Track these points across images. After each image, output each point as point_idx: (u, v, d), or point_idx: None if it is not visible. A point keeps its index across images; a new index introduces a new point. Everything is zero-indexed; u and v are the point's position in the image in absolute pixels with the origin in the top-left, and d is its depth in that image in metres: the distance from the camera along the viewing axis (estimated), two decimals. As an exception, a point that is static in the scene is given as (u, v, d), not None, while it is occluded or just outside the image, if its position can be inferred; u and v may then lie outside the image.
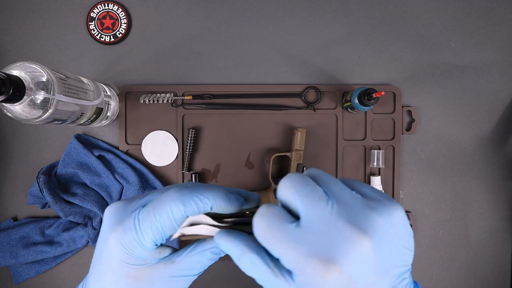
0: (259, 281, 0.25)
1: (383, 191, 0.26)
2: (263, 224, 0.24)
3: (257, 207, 0.28)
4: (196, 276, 0.30)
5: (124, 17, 0.67)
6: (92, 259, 0.30)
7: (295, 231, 0.23)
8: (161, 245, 0.29)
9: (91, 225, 0.65)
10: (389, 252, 0.23)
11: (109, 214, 0.29)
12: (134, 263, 0.28)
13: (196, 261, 0.29)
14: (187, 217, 0.27)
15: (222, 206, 0.28)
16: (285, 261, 0.23)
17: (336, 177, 0.69)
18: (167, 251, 0.29)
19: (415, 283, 0.27)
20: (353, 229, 0.22)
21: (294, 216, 0.25)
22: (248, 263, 0.25)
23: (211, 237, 0.28)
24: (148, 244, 0.27)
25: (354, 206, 0.24)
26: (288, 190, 0.25)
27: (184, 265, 0.29)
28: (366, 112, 0.69)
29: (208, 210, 0.28)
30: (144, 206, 0.28)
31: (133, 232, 0.27)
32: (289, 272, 0.24)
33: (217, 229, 0.28)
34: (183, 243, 0.62)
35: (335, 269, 0.22)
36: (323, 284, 0.22)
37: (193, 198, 0.27)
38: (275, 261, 0.25)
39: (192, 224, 0.28)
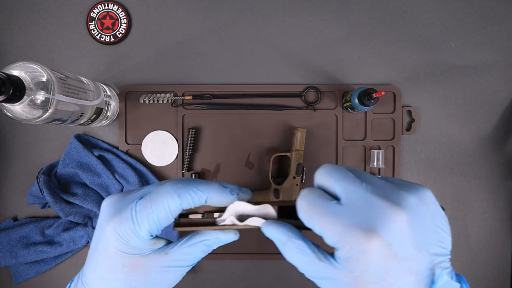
0: (303, 268, 0.27)
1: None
2: (306, 202, 0.26)
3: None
4: (190, 267, 0.31)
5: (124, 17, 0.67)
6: (89, 251, 0.31)
7: (336, 207, 0.25)
8: (156, 236, 0.30)
9: (91, 225, 0.65)
10: (425, 229, 0.25)
11: (106, 205, 0.30)
12: (129, 252, 0.29)
13: (189, 252, 0.30)
14: (182, 209, 0.29)
15: (216, 199, 0.29)
16: (328, 235, 0.25)
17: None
18: (162, 242, 0.30)
19: (459, 275, 0.27)
20: (389, 203, 0.24)
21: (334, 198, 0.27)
22: (294, 248, 0.27)
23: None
24: (144, 234, 0.28)
25: (386, 187, 0.26)
26: (324, 176, 0.27)
27: (178, 256, 0.30)
28: (366, 112, 0.69)
29: (203, 203, 0.29)
30: (141, 198, 0.29)
31: (130, 222, 0.28)
32: (332, 256, 0.26)
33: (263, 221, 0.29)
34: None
35: (377, 238, 0.23)
36: (366, 253, 0.23)
37: (188, 192, 0.28)
38: (319, 248, 0.27)
39: (238, 217, 0.30)
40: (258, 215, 0.30)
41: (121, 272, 0.29)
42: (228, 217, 0.30)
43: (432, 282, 0.24)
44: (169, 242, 0.31)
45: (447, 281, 0.24)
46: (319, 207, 0.26)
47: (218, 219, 0.31)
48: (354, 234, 0.24)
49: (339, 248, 0.25)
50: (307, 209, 0.26)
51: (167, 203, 0.28)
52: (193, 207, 0.29)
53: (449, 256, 0.26)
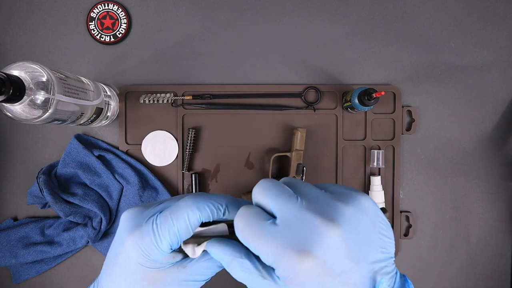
0: (249, 285, 0.27)
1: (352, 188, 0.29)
2: (242, 223, 0.26)
3: None
4: (205, 282, 0.31)
5: (124, 17, 0.67)
6: (105, 261, 0.31)
7: (271, 227, 0.25)
8: (174, 250, 0.30)
9: (91, 225, 0.65)
10: (364, 238, 0.25)
11: (126, 219, 0.30)
12: (150, 266, 0.29)
13: (206, 267, 0.30)
14: (202, 222, 0.29)
15: (234, 210, 0.29)
16: (264, 256, 0.25)
17: (336, 177, 0.69)
18: (180, 256, 0.31)
19: (403, 276, 0.27)
20: (323, 220, 0.24)
21: (271, 216, 0.27)
22: (238, 267, 0.27)
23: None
24: (165, 248, 0.28)
25: (322, 200, 0.26)
26: (260, 194, 0.27)
27: (195, 270, 0.30)
28: (366, 112, 0.69)
29: (221, 216, 0.29)
30: (161, 212, 0.29)
31: (152, 235, 0.28)
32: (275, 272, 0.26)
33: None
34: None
35: (310, 257, 0.23)
36: (300, 272, 0.24)
37: (207, 204, 0.29)
38: (263, 265, 0.26)
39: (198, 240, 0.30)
40: (213, 233, 0.30)
41: (140, 286, 0.29)
42: (190, 245, 0.30)
43: None
44: (185, 256, 0.31)
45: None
46: (254, 227, 0.26)
47: (182, 246, 0.30)
48: (288, 255, 0.24)
49: (276, 268, 0.25)
50: (243, 229, 0.26)
51: (187, 216, 0.28)
52: (211, 220, 0.29)
53: (393, 259, 0.26)
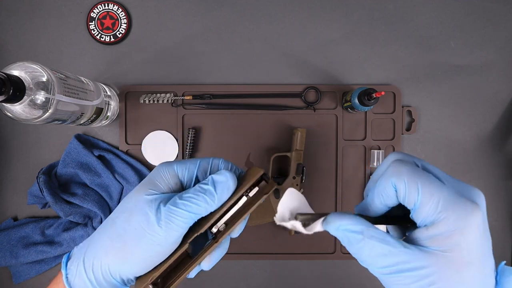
0: (384, 262, 0.24)
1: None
2: (407, 167, 0.25)
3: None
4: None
5: (124, 17, 0.67)
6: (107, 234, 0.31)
7: (436, 180, 0.25)
8: None
9: (91, 225, 0.65)
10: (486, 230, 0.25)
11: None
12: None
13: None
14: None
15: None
16: (433, 203, 0.24)
17: (336, 177, 0.69)
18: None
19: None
20: (467, 200, 0.24)
21: None
22: (375, 239, 0.24)
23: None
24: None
25: (458, 186, 0.25)
26: (403, 175, 0.25)
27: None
28: (366, 112, 0.69)
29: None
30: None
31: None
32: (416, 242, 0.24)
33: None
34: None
35: (479, 212, 0.23)
36: (471, 226, 0.23)
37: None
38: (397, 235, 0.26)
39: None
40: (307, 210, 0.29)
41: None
42: (289, 221, 0.28)
43: (496, 273, 0.25)
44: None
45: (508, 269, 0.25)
46: (422, 174, 0.25)
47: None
48: (462, 203, 0.23)
49: (440, 220, 0.23)
50: (411, 173, 0.25)
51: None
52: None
53: None
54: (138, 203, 0.30)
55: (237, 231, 0.34)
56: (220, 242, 0.32)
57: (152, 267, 0.31)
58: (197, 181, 0.33)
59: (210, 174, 0.33)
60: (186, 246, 0.31)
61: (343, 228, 0.25)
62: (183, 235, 0.30)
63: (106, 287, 0.31)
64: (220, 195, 0.31)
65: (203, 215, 0.31)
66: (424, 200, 0.24)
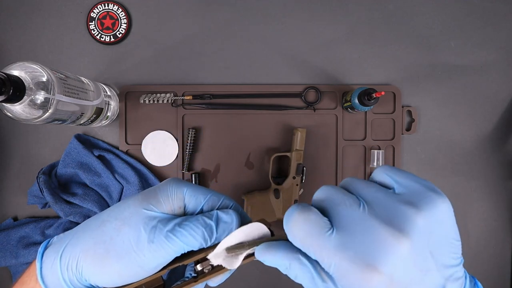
0: (308, 287, 0.25)
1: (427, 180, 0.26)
2: (301, 232, 0.24)
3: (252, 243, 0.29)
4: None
5: (124, 17, 0.67)
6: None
7: (333, 239, 0.23)
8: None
9: (91, 225, 0.65)
10: (435, 247, 0.23)
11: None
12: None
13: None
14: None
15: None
16: (325, 265, 0.24)
17: (336, 177, 0.69)
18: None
19: (473, 278, 0.26)
20: (389, 229, 0.22)
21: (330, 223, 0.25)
22: (298, 270, 0.25)
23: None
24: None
25: (389, 206, 0.24)
26: (321, 201, 0.26)
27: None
28: (366, 112, 0.69)
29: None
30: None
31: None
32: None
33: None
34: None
35: (375, 273, 0.22)
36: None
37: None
38: (320, 267, 0.25)
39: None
40: (249, 240, 0.28)
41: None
42: (220, 258, 0.29)
43: None
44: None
45: None
46: (316, 238, 0.24)
47: (210, 257, 0.29)
48: (352, 270, 0.23)
49: (337, 279, 0.24)
50: (303, 239, 0.24)
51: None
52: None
53: (462, 262, 0.25)
54: (134, 215, 0.29)
55: (218, 279, 0.31)
56: (199, 283, 0.30)
57: (123, 284, 0.29)
58: (201, 210, 0.32)
59: (217, 208, 0.31)
60: (163, 272, 0.29)
61: (270, 264, 0.26)
62: (167, 263, 0.29)
63: (79, 287, 0.29)
64: (219, 234, 0.29)
65: (195, 249, 0.29)
66: (319, 261, 0.24)
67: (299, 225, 0.24)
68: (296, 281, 0.26)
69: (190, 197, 0.31)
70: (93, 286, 0.30)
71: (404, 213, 0.23)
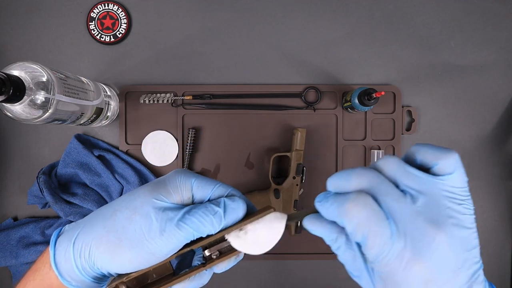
0: (350, 264, 0.28)
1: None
2: (363, 215, 0.25)
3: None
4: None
5: (124, 17, 0.67)
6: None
7: (388, 230, 0.25)
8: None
9: (91, 225, 0.65)
10: (464, 248, 0.25)
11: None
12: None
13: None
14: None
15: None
16: (369, 251, 0.26)
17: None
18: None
19: (491, 284, 0.28)
20: (434, 229, 0.25)
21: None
22: (344, 244, 0.28)
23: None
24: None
25: (433, 204, 0.26)
26: (367, 188, 0.27)
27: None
28: (366, 112, 0.69)
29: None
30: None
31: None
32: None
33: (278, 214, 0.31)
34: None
35: (420, 265, 0.24)
36: (408, 277, 0.25)
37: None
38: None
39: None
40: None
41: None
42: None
43: None
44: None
45: None
46: (374, 223, 0.25)
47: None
48: (398, 260, 0.25)
49: (383, 273, 0.26)
50: (361, 222, 0.26)
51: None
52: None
53: (482, 266, 0.27)
54: (145, 205, 0.30)
55: (225, 265, 0.33)
56: (207, 268, 0.31)
57: (133, 270, 0.30)
58: (208, 200, 0.33)
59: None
60: (173, 257, 0.30)
61: (317, 232, 0.29)
62: (178, 249, 0.30)
63: (91, 274, 0.30)
64: (227, 221, 0.30)
65: (203, 236, 0.30)
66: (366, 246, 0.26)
67: (358, 208, 0.26)
68: (337, 252, 0.28)
69: (198, 188, 0.32)
70: (103, 273, 0.30)
71: (447, 214, 0.25)
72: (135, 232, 0.29)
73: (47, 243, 0.64)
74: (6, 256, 0.64)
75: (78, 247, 0.30)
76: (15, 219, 0.69)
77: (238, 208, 0.31)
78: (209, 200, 0.32)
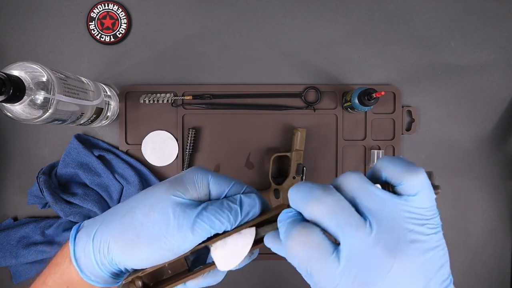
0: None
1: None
2: (304, 252, 0.25)
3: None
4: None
5: (124, 17, 0.67)
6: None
7: (335, 265, 0.24)
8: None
9: (91, 225, 0.65)
10: (432, 265, 0.24)
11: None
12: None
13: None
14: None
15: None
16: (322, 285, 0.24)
17: (336, 177, 0.69)
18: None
19: None
20: (388, 254, 0.23)
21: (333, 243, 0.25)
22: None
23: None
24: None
25: (394, 223, 0.24)
26: (324, 216, 0.25)
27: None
28: (366, 112, 0.69)
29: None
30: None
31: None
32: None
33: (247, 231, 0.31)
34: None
35: None
36: None
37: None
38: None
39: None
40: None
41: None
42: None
43: None
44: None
45: None
46: (317, 261, 0.24)
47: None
48: None
49: None
50: (305, 261, 0.25)
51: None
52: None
53: (451, 278, 0.25)
54: (163, 202, 0.30)
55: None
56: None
57: (150, 266, 0.31)
58: (224, 197, 0.33)
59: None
60: (188, 253, 0.30)
61: (276, 250, 0.30)
62: (195, 246, 0.30)
63: (109, 270, 0.30)
64: (243, 217, 0.30)
65: (219, 232, 0.30)
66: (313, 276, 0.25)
67: (301, 246, 0.25)
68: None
69: (214, 184, 0.32)
70: (120, 269, 0.31)
71: (408, 239, 0.23)
72: (153, 229, 0.29)
73: (47, 243, 0.64)
74: (6, 256, 0.64)
75: (97, 243, 0.30)
76: (15, 219, 0.69)
77: (254, 205, 0.31)
78: (225, 197, 0.32)
